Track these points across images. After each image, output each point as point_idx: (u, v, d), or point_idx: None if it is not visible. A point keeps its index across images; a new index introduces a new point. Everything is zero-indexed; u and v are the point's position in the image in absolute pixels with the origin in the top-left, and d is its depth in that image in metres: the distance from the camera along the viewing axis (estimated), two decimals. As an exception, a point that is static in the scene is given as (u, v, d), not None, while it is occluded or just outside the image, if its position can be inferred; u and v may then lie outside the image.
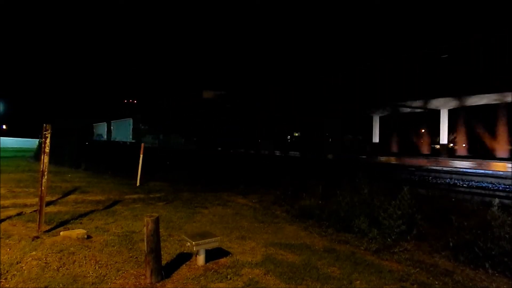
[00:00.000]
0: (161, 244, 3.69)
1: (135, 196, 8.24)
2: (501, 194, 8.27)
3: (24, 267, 3.60)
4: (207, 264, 3.91)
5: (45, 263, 3.73)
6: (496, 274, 3.96)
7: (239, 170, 12.46)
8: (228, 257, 4.19)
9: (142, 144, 11.09)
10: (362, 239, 5.16)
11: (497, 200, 4.74)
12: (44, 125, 4.96)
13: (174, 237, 4.90)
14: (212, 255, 4.09)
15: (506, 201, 6.54)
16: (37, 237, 4.55)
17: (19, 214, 5.83)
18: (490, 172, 11.96)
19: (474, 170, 12.71)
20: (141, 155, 10.41)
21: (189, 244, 3.83)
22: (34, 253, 3.99)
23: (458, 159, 20.73)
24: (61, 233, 4.68)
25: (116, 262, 3.86)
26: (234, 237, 5.08)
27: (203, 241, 3.85)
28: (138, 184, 10.00)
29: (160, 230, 3.82)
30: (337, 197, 6.37)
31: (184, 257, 4.08)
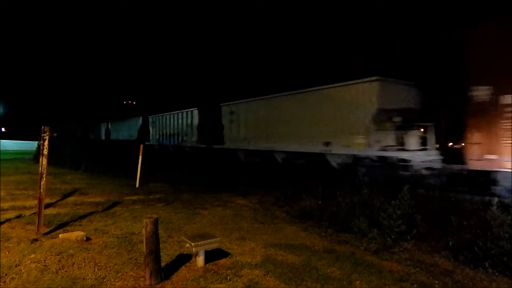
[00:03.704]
0: (161, 245, 3.69)
1: (135, 197, 8.24)
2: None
3: (23, 270, 3.60)
4: (207, 265, 3.91)
5: (44, 265, 3.72)
6: (496, 274, 3.95)
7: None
8: (227, 258, 4.18)
9: (141, 146, 10.91)
10: (362, 240, 5.15)
11: (496, 199, 4.74)
12: (42, 127, 4.94)
13: (173, 238, 4.90)
14: (212, 256, 4.09)
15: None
16: (36, 240, 4.55)
17: (18, 217, 5.82)
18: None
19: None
20: (140, 156, 10.42)
21: (188, 245, 3.83)
22: (33, 255, 3.98)
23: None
24: (60, 235, 4.68)
25: (115, 264, 3.86)
26: (233, 238, 5.07)
27: (202, 242, 3.84)
28: (137, 185, 9.99)
29: (160, 231, 3.82)
30: (337, 197, 6.37)
31: (184, 258, 4.08)
